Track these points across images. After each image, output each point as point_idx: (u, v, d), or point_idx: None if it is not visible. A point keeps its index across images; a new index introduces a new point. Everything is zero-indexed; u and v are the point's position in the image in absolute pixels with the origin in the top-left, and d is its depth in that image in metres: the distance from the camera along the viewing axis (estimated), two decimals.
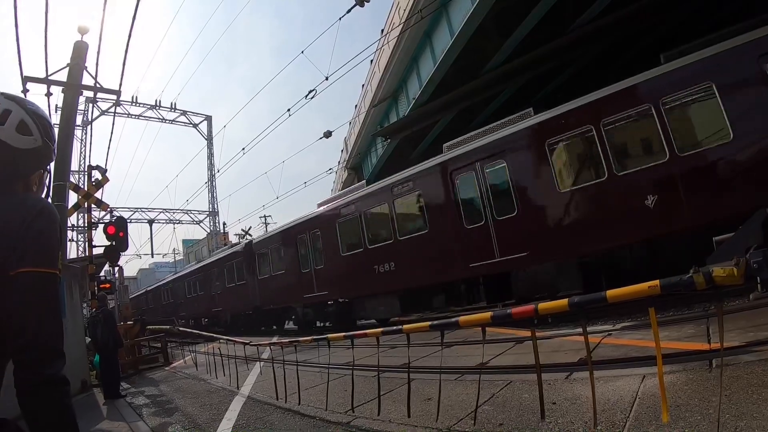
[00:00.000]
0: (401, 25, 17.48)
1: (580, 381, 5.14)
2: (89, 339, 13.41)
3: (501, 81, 18.56)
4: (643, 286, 2.95)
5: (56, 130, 1.84)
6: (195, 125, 47.58)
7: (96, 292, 13.65)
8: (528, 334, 7.98)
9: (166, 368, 14.55)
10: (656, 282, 2.88)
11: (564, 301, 3.44)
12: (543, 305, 3.62)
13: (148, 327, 19.81)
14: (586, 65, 18.87)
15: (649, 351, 5.59)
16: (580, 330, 7.71)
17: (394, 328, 5.33)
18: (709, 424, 3.29)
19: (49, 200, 1.98)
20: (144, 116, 43.48)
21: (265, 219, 56.81)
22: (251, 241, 24.80)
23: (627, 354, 5.89)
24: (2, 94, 1.66)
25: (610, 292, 3.13)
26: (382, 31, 20.51)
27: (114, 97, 15.89)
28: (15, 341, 1.41)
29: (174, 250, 65.48)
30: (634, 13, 14.83)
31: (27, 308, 1.43)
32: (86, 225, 15.45)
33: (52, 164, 1.91)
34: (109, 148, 23.78)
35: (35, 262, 1.47)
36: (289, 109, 18.94)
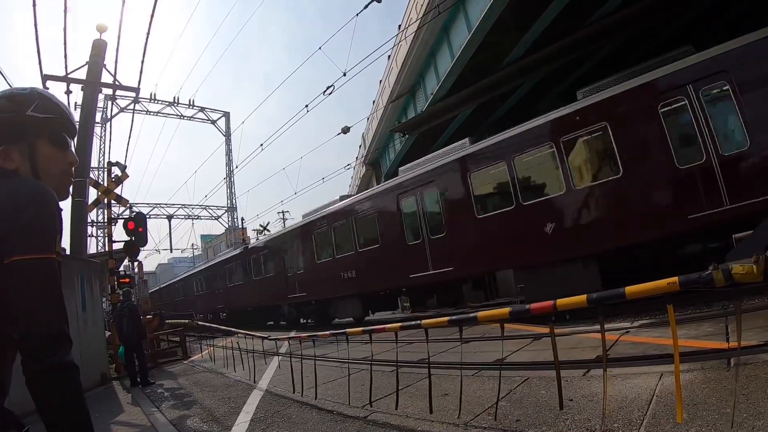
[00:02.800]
0: (418, 21, 17.43)
1: (597, 378, 5.11)
2: (108, 333, 13.70)
3: (519, 75, 18.42)
4: (662, 282, 2.94)
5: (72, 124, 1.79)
6: (213, 122, 47.92)
7: (116, 286, 13.87)
8: (544, 330, 7.97)
9: (185, 362, 14.70)
10: (675, 279, 2.87)
11: (582, 297, 3.43)
12: (562, 301, 3.62)
13: (167, 321, 20.05)
14: (604, 58, 18.70)
15: (668, 349, 5.55)
16: (597, 327, 7.69)
17: (413, 323, 5.33)
18: (726, 423, 3.27)
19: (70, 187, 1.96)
20: (162, 113, 43.90)
21: (283, 214, 57.07)
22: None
23: (645, 352, 5.85)
24: None
25: (629, 288, 3.11)
26: (399, 26, 20.48)
27: (132, 94, 16.07)
28: (18, 330, 1.41)
29: (192, 245, 66.11)
30: (653, 6, 14.66)
31: (24, 296, 1.42)
32: (106, 220, 15.61)
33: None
34: (128, 144, 24.14)
35: (28, 249, 1.44)
36: (307, 105, 18.98)
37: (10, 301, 1.42)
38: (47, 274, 1.48)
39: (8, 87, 1.83)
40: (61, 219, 1.59)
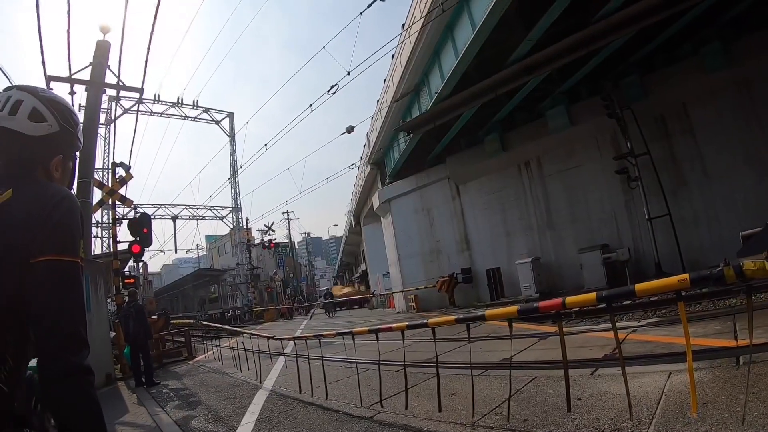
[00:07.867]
0: (422, 20, 17.39)
1: (605, 377, 5.09)
2: (113, 333, 13.74)
3: (525, 73, 18.29)
4: (672, 279, 2.90)
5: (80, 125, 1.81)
6: (217, 122, 48.00)
7: (121, 287, 13.89)
8: (550, 329, 7.94)
9: (190, 362, 14.71)
10: (686, 275, 2.82)
11: (592, 295, 3.39)
12: (571, 299, 3.57)
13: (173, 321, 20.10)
14: (611, 55, 18.59)
15: (675, 347, 5.52)
16: (604, 326, 7.66)
17: (420, 322, 5.31)
18: (736, 422, 3.24)
19: (74, 189, 1.98)
20: (166, 114, 44.02)
21: (288, 215, 57.11)
22: None
23: (652, 350, 5.83)
24: (16, 86, 1.65)
25: (639, 286, 3.07)
26: (403, 25, 20.44)
27: (136, 95, 16.07)
28: (38, 330, 1.39)
29: (197, 245, 66.17)
30: (660, 3, 14.57)
31: (49, 296, 1.40)
32: (110, 221, 15.66)
33: (79, 153, 1.90)
34: (132, 145, 24.19)
35: (56, 250, 1.44)
36: (311, 105, 18.99)
37: (33, 301, 1.41)
38: (73, 276, 1.49)
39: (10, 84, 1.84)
40: (83, 225, 1.59)
